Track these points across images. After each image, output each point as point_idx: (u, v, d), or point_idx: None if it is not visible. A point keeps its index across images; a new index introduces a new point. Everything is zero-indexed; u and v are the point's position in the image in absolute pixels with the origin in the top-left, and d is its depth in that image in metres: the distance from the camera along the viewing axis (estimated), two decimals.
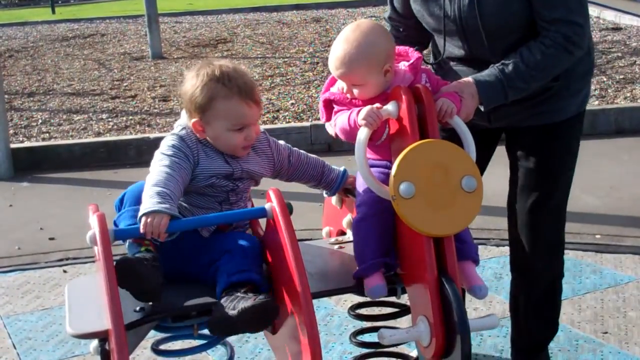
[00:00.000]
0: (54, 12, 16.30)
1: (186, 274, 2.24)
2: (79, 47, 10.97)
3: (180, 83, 2.35)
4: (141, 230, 2.04)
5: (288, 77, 8.17)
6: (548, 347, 2.94)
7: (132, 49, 10.51)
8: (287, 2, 14.25)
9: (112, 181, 5.84)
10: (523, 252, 2.71)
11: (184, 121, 2.32)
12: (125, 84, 8.39)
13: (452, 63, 2.59)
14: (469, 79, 2.35)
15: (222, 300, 2.06)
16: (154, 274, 2.06)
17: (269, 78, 8.19)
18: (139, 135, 6.54)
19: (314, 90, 7.54)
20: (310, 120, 6.62)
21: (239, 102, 2.24)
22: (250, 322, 2.02)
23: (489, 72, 2.38)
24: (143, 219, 2.04)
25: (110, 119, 7.15)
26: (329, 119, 2.36)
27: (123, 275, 2.00)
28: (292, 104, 7.25)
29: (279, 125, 6.63)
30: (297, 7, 13.57)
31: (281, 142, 2.50)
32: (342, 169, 2.55)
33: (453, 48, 2.55)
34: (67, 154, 6.39)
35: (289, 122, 6.75)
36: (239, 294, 2.06)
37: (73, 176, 6.08)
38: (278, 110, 7.07)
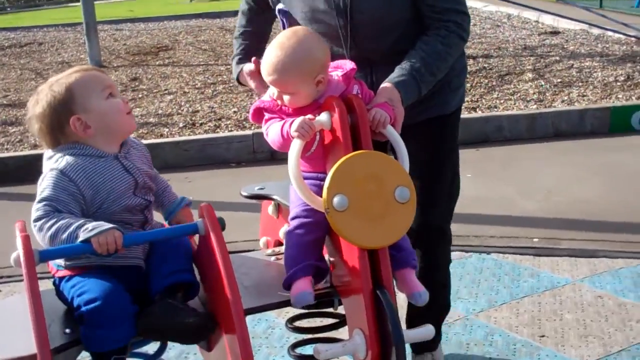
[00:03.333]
0: None
1: None
2: (16, 56, 10.74)
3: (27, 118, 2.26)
4: (98, 251, 1.98)
5: (231, 85, 8.12)
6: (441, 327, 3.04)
7: (71, 58, 10.33)
8: (229, 9, 14.18)
9: None
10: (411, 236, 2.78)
11: (54, 151, 2.19)
12: None
13: None
14: (389, 84, 2.36)
15: (158, 306, 2.04)
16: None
17: (212, 85, 8.14)
18: None
19: (256, 98, 7.49)
20: (252, 128, 6.59)
21: (92, 72, 2.21)
22: (182, 336, 2.03)
23: (401, 72, 2.40)
24: (94, 240, 1.98)
25: None
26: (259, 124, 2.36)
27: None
28: (235, 111, 7.21)
29: (220, 134, 6.58)
30: None
31: None
32: (180, 197, 2.40)
33: (344, 51, 2.57)
34: (2, 167, 6.24)
35: (231, 130, 6.71)
36: (175, 302, 2.04)
37: (8, 191, 5.93)
38: (220, 119, 7.02)
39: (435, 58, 2.44)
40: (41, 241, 2.06)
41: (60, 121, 2.16)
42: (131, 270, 2.18)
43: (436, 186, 2.75)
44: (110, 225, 2.02)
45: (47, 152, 2.21)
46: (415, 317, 2.87)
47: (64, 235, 2.01)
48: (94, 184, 2.13)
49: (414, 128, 2.62)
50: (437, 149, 2.75)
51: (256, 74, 2.54)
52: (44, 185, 2.11)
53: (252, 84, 2.62)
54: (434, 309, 2.85)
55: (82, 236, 1.99)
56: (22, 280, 4.14)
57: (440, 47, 2.45)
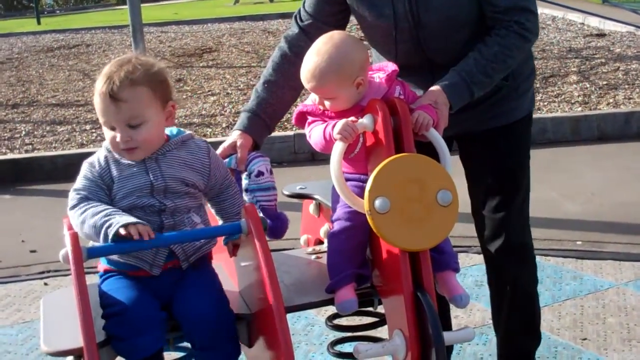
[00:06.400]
0: (39, 22, 16.22)
1: None
2: (64, 57, 10.94)
3: None
4: (133, 235, 2.00)
5: None
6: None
7: None
8: (272, 11, 14.27)
9: None
10: (496, 257, 2.69)
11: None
12: None
13: (401, 78, 2.52)
14: (437, 87, 2.33)
15: None
16: None
17: (254, 87, 8.18)
18: None
19: (298, 100, 7.54)
20: (294, 129, 6.63)
21: (100, 98, 2.11)
22: None
23: (451, 74, 2.36)
24: (122, 230, 2.01)
25: (93, 130, 7.14)
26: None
27: None
28: None
29: None
30: (283, 16, 13.56)
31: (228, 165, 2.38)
32: (241, 222, 2.16)
33: (405, 54, 2.48)
34: (50, 165, 6.38)
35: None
36: None
37: (56, 188, 6.07)
38: None
39: (491, 60, 2.35)
40: (75, 228, 2.12)
41: None
42: (157, 278, 2.20)
43: (513, 199, 2.64)
44: (135, 220, 2.05)
45: None
46: (506, 343, 2.84)
47: (90, 222, 2.06)
48: (113, 176, 2.18)
49: (483, 136, 2.60)
50: (511, 158, 2.64)
51: (245, 148, 2.45)
52: (78, 177, 2.21)
53: (238, 152, 2.46)
54: (525, 336, 2.81)
55: (114, 229, 2.02)
56: (68, 275, 4.27)
57: (497, 48, 2.35)
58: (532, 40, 2.44)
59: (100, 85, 2.12)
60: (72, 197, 2.16)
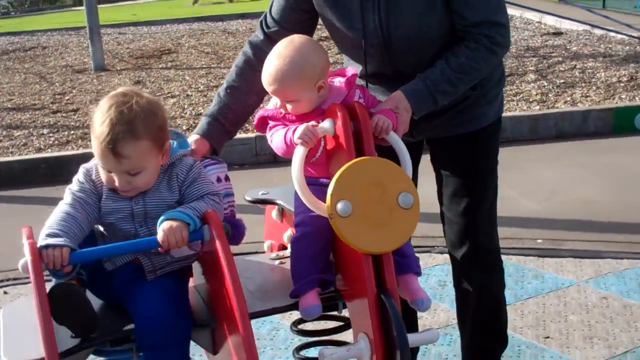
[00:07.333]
0: None
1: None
2: (20, 60, 10.78)
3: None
4: (45, 260, 1.98)
5: None
6: None
7: (74, 62, 10.36)
8: (232, 12, 14.23)
9: (54, 198, 5.68)
10: (462, 263, 2.69)
11: None
12: (66, 98, 8.27)
13: (371, 85, 2.54)
14: (398, 92, 2.34)
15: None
16: (88, 302, 2.04)
17: (214, 88, 8.16)
18: (81, 151, 6.42)
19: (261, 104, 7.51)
20: (255, 131, 6.59)
21: (100, 147, 2.09)
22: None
23: (416, 81, 2.36)
24: (42, 253, 1.99)
25: (51, 134, 7.03)
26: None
27: (59, 304, 1.98)
28: None
29: None
30: (242, 16, 13.55)
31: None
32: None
33: (375, 65, 2.48)
34: (7, 171, 6.27)
35: None
36: None
37: (14, 194, 5.97)
38: None
39: (457, 70, 2.35)
40: None
41: None
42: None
43: (479, 205, 2.64)
44: (55, 242, 2.01)
45: None
46: (472, 347, 2.84)
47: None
48: (99, 192, 2.19)
49: (452, 141, 2.60)
50: (479, 164, 2.65)
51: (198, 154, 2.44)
52: (74, 177, 2.24)
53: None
54: (491, 340, 2.82)
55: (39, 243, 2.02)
56: (28, 283, 4.19)
57: (464, 59, 2.35)
58: (501, 53, 2.44)
59: (100, 132, 2.07)
60: (65, 194, 2.18)
